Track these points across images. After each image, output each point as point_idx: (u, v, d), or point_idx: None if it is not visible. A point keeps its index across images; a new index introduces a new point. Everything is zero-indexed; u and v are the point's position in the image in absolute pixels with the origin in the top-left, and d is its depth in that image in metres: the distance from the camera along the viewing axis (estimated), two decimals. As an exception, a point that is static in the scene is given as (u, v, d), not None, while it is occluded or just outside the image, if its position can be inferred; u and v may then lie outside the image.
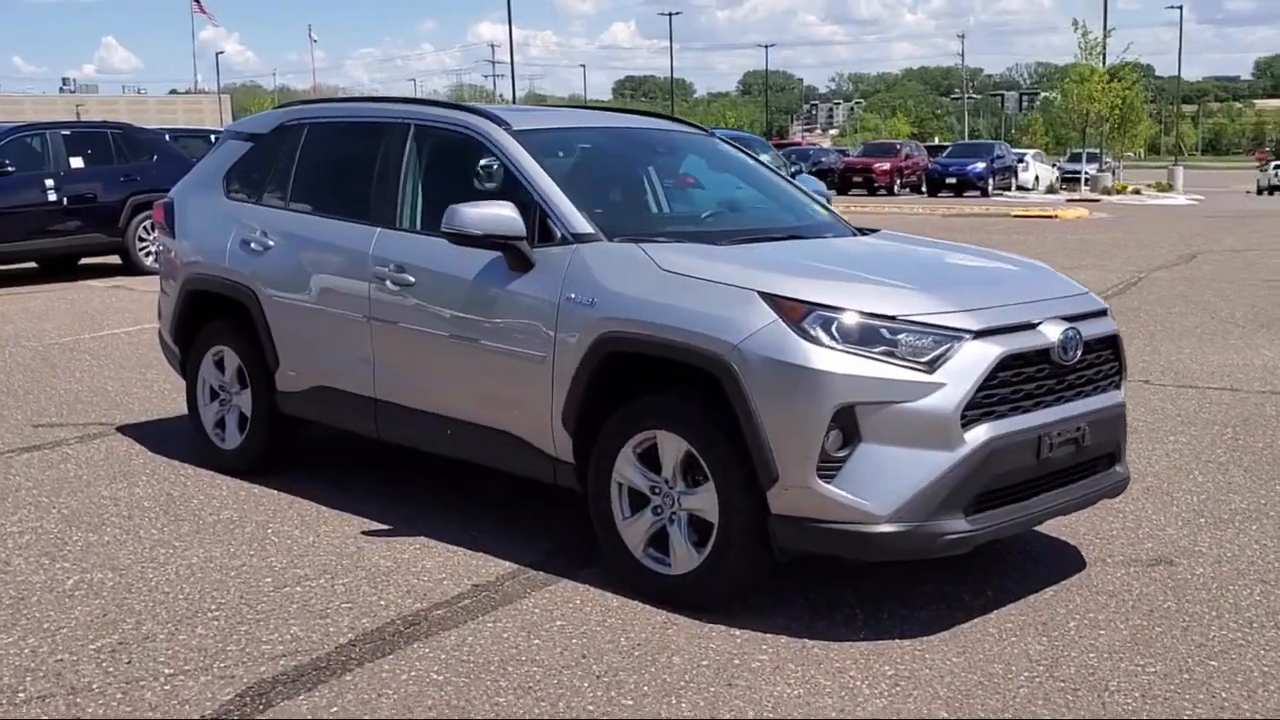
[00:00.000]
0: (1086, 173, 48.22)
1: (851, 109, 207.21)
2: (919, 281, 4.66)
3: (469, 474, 6.12)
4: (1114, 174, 49.53)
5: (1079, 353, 4.61)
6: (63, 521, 5.69)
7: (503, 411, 5.17)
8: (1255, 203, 44.79)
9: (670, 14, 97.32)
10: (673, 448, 4.59)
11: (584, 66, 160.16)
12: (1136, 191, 47.22)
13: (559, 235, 5.03)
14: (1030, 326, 4.51)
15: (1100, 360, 4.82)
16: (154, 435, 7.30)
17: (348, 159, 6.24)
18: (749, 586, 4.60)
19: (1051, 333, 4.53)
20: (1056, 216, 30.99)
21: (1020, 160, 49.12)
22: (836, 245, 5.50)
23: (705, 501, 4.52)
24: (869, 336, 4.27)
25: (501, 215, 4.97)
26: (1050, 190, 47.82)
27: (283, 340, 6.09)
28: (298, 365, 6.06)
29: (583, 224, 5.02)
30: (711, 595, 4.56)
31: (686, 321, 4.49)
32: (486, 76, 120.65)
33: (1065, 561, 5.21)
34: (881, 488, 4.20)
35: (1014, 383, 4.41)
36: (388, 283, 5.53)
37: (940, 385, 4.22)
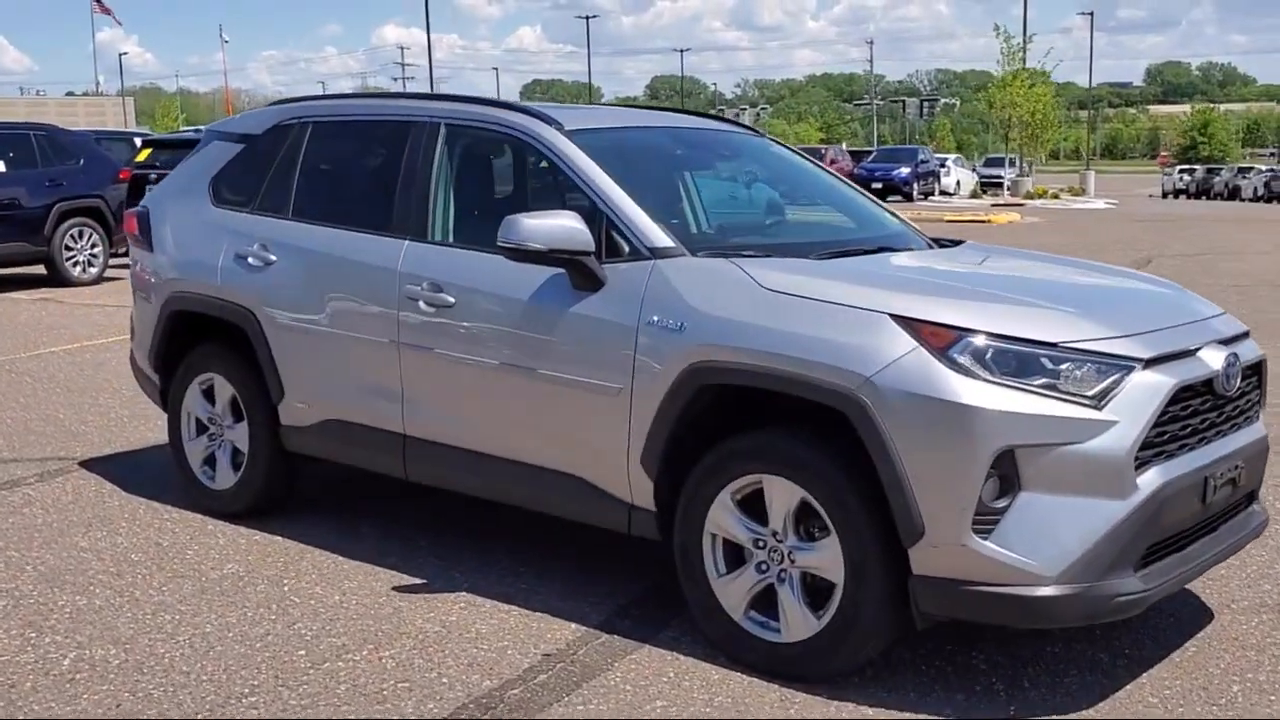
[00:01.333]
0: (1008, 178, 48.46)
1: (758, 115, 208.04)
2: (1069, 302, 4.07)
3: (479, 501, 5.36)
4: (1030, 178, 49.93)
5: (1238, 381, 4.08)
6: (41, 581, 4.90)
7: (566, 451, 4.51)
8: (1167, 206, 45.36)
9: (588, 16, 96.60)
10: (783, 495, 3.97)
11: (496, 70, 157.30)
12: (1055, 196, 47.51)
13: (629, 249, 4.38)
14: (1191, 353, 3.96)
15: (1250, 388, 4.29)
16: (124, 471, 6.49)
17: (362, 162, 5.54)
18: (873, 656, 4.00)
19: (1213, 360, 3.98)
20: (990, 221, 30.86)
21: (943, 165, 49.24)
22: (943, 259, 4.89)
23: (825, 558, 3.90)
24: (1028, 367, 3.68)
25: (568, 227, 4.31)
26: (974, 195, 47.98)
27: (288, 368, 5.35)
28: (307, 396, 5.33)
29: (661, 237, 4.37)
30: (830, 665, 3.95)
31: (804, 350, 3.86)
32: (395, 79, 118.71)
33: (1190, 609, 4.68)
34: (1047, 544, 3.61)
35: (1183, 417, 3.86)
36: (421, 303, 4.84)
37: (1111, 423, 3.64)
